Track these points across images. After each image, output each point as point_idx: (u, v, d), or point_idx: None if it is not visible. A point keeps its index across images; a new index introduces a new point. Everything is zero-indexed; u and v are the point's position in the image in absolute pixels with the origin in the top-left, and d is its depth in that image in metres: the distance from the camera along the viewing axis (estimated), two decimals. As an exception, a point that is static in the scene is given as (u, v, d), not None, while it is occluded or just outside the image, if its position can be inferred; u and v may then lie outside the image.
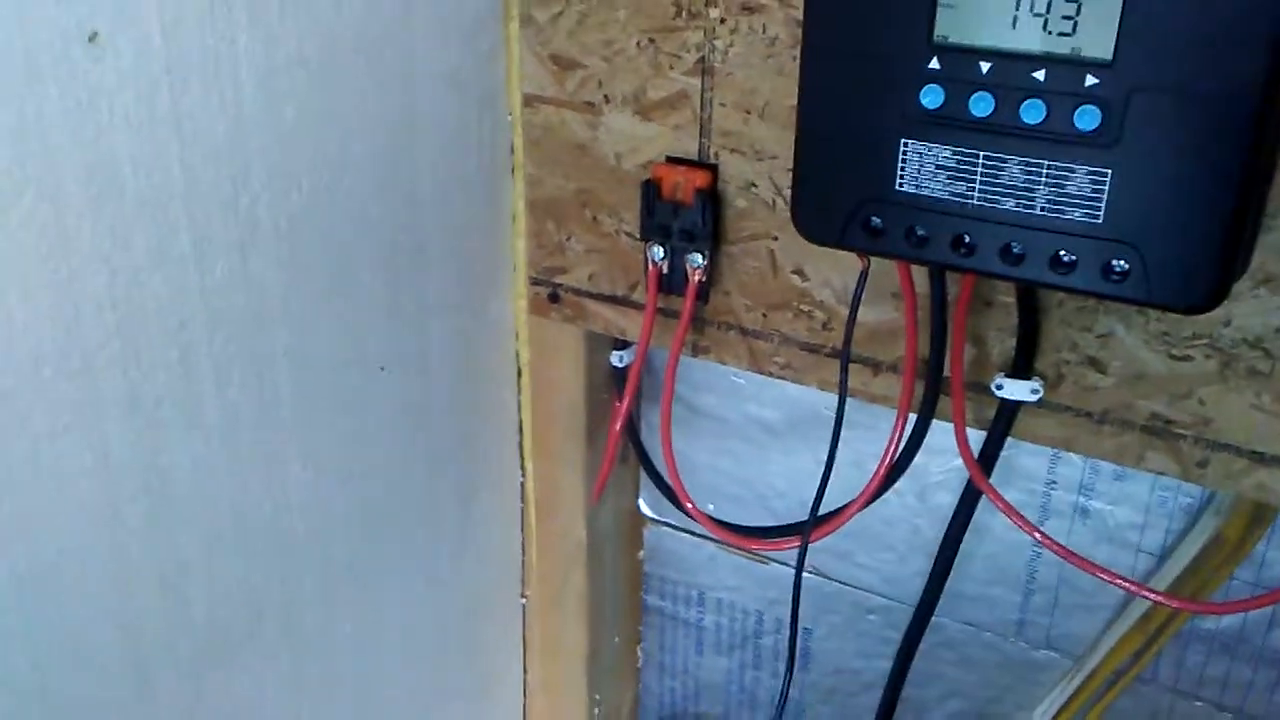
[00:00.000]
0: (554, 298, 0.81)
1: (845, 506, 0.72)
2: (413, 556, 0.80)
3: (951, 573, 0.86)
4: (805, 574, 0.94)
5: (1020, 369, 0.65)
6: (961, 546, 0.86)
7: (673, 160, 0.72)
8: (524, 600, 0.97)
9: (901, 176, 0.57)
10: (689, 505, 0.78)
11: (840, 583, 0.92)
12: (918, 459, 0.85)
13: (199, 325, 0.57)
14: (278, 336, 0.62)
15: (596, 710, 1.00)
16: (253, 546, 0.65)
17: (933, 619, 0.89)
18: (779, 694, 0.74)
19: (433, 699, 0.88)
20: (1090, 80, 0.51)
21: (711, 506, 0.95)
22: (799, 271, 0.71)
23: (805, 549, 0.72)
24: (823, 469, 0.69)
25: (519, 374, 0.87)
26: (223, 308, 0.58)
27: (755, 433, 0.92)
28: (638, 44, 0.70)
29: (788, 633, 0.96)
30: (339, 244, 0.65)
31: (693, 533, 0.97)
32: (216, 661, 0.64)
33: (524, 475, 0.91)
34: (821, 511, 0.73)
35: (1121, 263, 0.53)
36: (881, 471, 0.70)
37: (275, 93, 0.58)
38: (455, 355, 0.80)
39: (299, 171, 0.61)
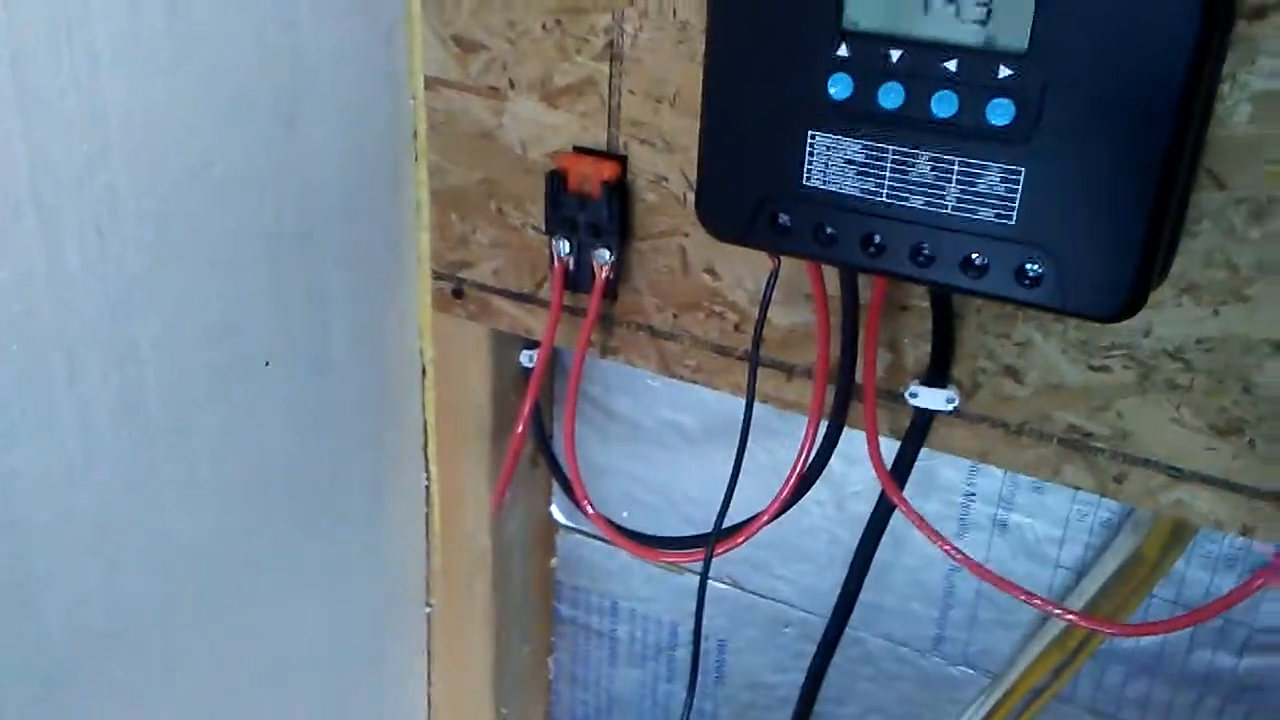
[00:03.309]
0: (458, 293, 0.77)
1: (754, 518, 0.69)
2: (311, 563, 0.76)
3: (869, 586, 0.84)
4: (721, 585, 0.90)
5: (935, 377, 0.63)
6: (881, 559, 0.83)
7: (580, 150, 0.68)
8: (429, 609, 0.92)
9: (809, 171, 0.53)
10: (589, 508, 0.74)
11: (756, 594, 0.89)
12: (837, 468, 0.82)
13: (47, 314, 0.52)
14: (142, 327, 0.58)
15: (504, 723, 0.96)
16: (119, 552, 0.60)
17: (851, 633, 0.86)
18: (684, 709, 0.71)
19: (332, 713, 0.84)
20: (1004, 71, 0.48)
21: (625, 514, 0.92)
22: (711, 270, 0.68)
23: (709, 561, 0.69)
24: (729, 477, 0.66)
25: (423, 372, 0.83)
26: (75, 296, 0.53)
27: (671, 438, 0.88)
28: (543, 26, 0.66)
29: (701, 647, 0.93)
30: (214, 229, 0.60)
31: (606, 540, 0.93)
32: (75, 674, 0.59)
33: (428, 478, 0.87)
34: (736, 521, 0.70)
35: (1035, 267, 0.50)
36: (792, 481, 0.67)
37: (137, 65, 0.54)
38: (355, 351, 0.75)
39: (167, 151, 0.56)
